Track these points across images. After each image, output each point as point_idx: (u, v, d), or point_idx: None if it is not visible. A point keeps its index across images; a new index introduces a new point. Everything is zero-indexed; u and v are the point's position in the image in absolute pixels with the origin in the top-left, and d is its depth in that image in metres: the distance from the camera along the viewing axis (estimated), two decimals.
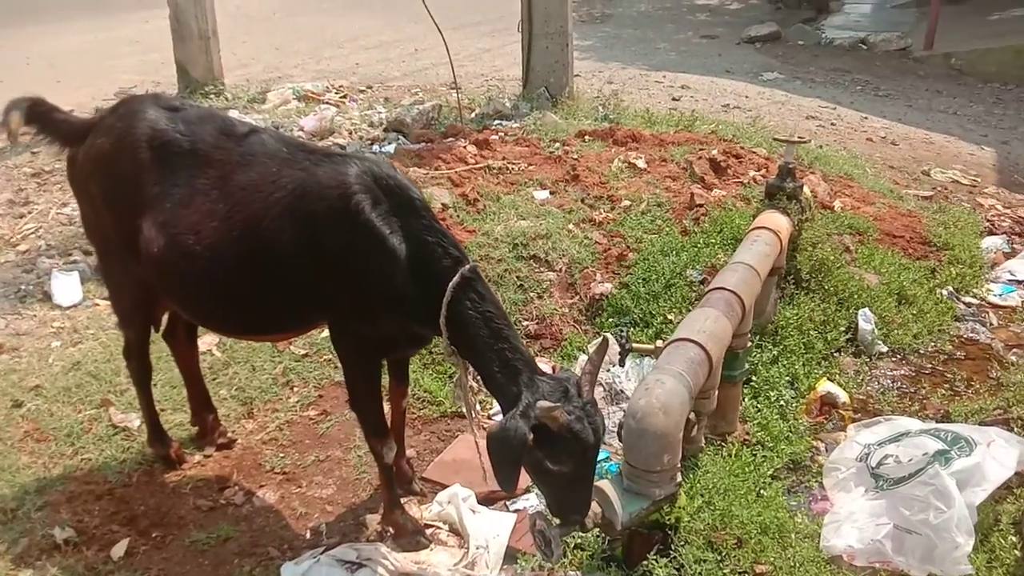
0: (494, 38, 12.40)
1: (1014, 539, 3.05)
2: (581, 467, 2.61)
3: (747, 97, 9.54)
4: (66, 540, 3.09)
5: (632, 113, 7.82)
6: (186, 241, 2.79)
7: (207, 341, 4.26)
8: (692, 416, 3.09)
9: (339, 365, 4.13)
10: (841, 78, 10.92)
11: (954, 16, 12.35)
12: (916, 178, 7.33)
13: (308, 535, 3.28)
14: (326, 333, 4.35)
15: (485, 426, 3.73)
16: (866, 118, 9.06)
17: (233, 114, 7.61)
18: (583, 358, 4.40)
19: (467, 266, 2.73)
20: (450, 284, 2.67)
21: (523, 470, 2.66)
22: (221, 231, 2.78)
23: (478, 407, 3.56)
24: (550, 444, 2.54)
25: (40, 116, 3.08)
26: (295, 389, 4.08)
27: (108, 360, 4.08)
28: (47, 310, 4.60)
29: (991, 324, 4.92)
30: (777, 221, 4.30)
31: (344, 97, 8.91)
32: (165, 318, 3.45)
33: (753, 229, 4.23)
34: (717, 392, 3.48)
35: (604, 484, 2.88)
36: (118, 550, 3.10)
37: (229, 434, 3.73)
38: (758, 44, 12.54)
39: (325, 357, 4.31)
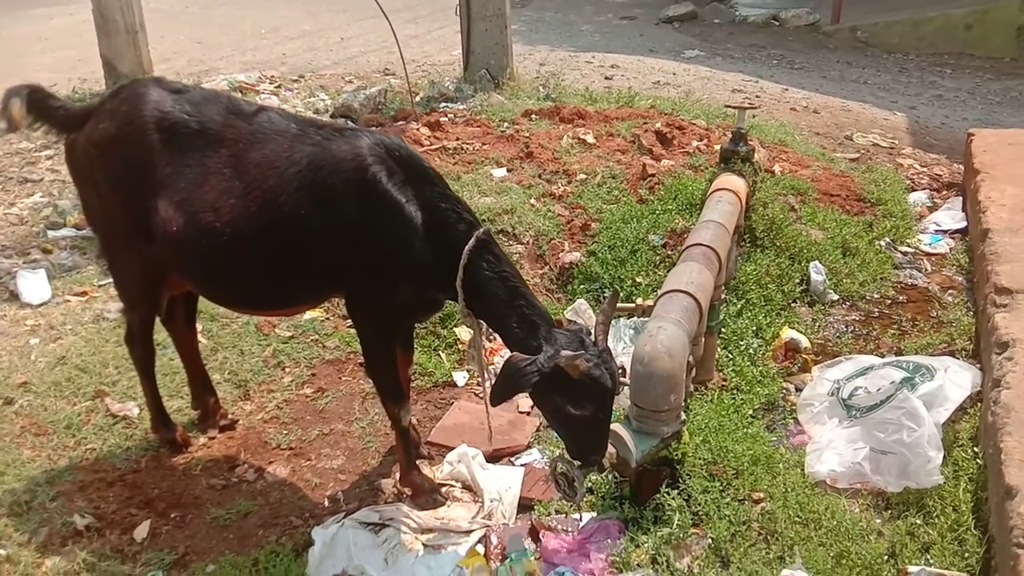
0: (418, 24, 12.44)
1: (974, 450, 3.38)
2: (600, 410, 2.80)
3: (674, 74, 9.89)
4: (87, 526, 3.10)
5: (572, 92, 8.04)
6: (206, 219, 2.83)
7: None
8: (691, 358, 3.31)
9: (327, 345, 4.24)
10: (758, 53, 11.41)
11: None
12: (840, 143, 7.80)
13: (327, 503, 3.37)
14: (310, 315, 4.44)
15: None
16: (787, 90, 9.52)
17: None
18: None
19: (481, 229, 2.87)
20: (466, 248, 2.81)
21: (540, 416, 2.83)
22: (240, 208, 2.84)
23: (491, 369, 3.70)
24: (571, 390, 2.72)
25: (38, 104, 3.05)
26: (287, 370, 4.13)
27: (93, 353, 4.04)
28: (16, 309, 4.50)
29: (926, 270, 5.34)
30: (735, 183, 4.57)
31: (279, 87, 8.84)
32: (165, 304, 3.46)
33: (715, 191, 4.49)
34: (703, 339, 3.73)
35: (617, 426, 3.08)
36: (141, 531, 3.13)
37: (230, 416, 3.76)
38: (676, 24, 12.96)
39: (312, 338, 4.37)
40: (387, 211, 2.79)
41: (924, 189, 6.70)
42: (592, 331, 2.88)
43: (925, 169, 7.31)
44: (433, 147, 6.15)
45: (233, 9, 13.89)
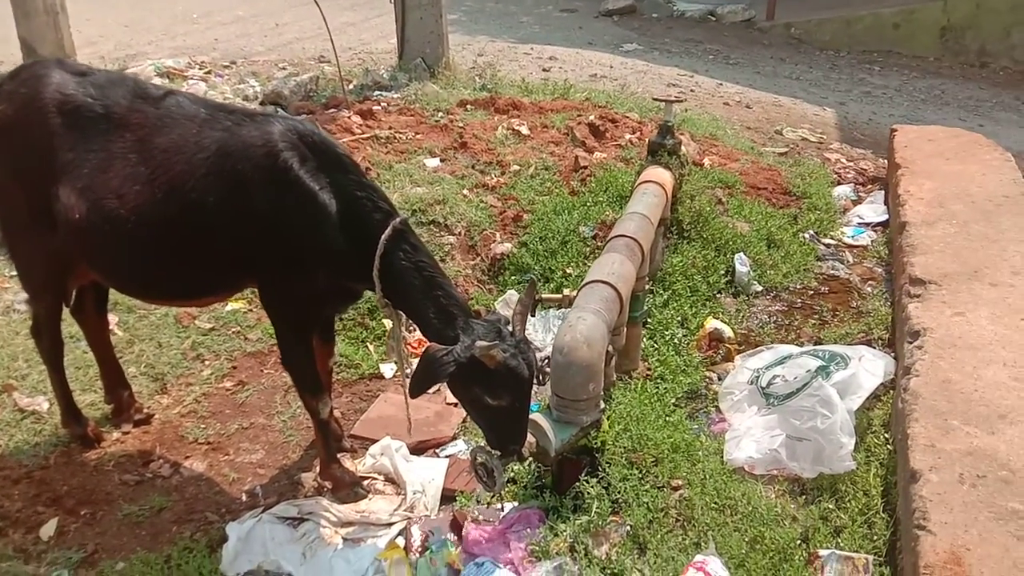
0: (356, 12, 12.27)
1: (886, 436, 3.49)
2: (518, 400, 2.81)
3: (611, 67, 9.96)
4: None
5: (508, 83, 8.03)
6: (109, 205, 2.74)
7: (109, 320, 4.13)
8: (610, 348, 3.34)
9: (248, 337, 4.16)
10: (694, 48, 11.57)
11: None
12: (771, 137, 7.95)
13: (244, 498, 3.31)
14: (232, 307, 4.34)
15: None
16: (721, 84, 9.68)
17: None
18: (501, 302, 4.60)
19: (398, 218, 2.83)
20: (382, 237, 2.77)
21: (461, 407, 2.83)
22: (145, 194, 2.75)
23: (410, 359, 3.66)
24: (489, 380, 2.71)
25: None
26: (207, 362, 4.04)
27: (2, 346, 3.89)
28: None
29: (848, 261, 5.49)
30: (661, 175, 4.63)
31: (209, 73, 8.62)
32: (73, 293, 3.34)
33: (641, 183, 4.54)
34: (625, 330, 3.76)
35: (536, 416, 3.09)
36: (47, 529, 3.02)
37: (145, 410, 3.66)
38: (615, 17, 13.05)
39: (233, 330, 4.27)
40: (299, 199, 2.73)
41: (850, 183, 6.88)
42: (511, 321, 2.88)
43: (852, 164, 7.50)
44: (364, 136, 6.07)
45: None
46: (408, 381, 3.11)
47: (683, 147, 5.10)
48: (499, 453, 2.90)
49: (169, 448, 3.52)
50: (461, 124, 6.45)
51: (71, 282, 3.14)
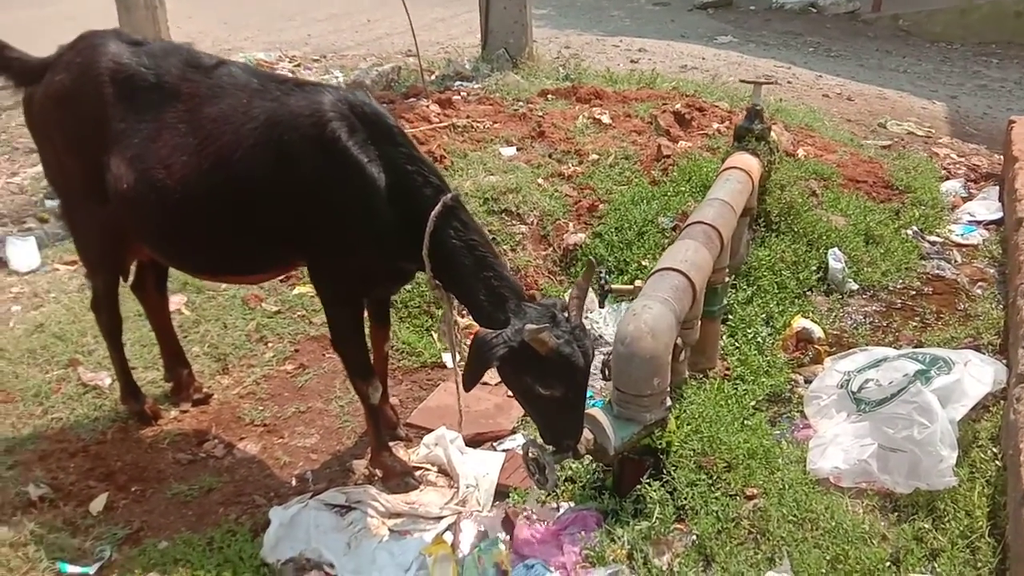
0: (447, 8, 12.27)
1: (994, 451, 3.11)
2: (572, 390, 2.60)
3: (703, 59, 9.59)
4: (41, 497, 2.98)
5: (593, 73, 7.80)
6: (156, 175, 2.68)
7: (175, 300, 4.14)
8: (679, 341, 3.08)
9: (313, 321, 4.08)
10: (793, 40, 11.04)
11: None
12: (873, 130, 7.45)
13: (294, 482, 3.21)
14: (299, 290, 4.29)
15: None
16: (820, 76, 9.16)
17: None
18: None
19: (449, 195, 2.67)
20: (432, 213, 2.61)
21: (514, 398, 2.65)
22: (192, 164, 2.68)
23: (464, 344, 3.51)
24: (540, 368, 2.51)
25: None
26: (270, 345, 3.98)
27: (73, 322, 3.94)
28: (3, 276, 4.42)
29: (955, 261, 5.02)
30: (747, 161, 4.32)
31: (298, 66, 8.74)
32: (133, 269, 3.32)
33: (725, 169, 4.24)
34: (699, 323, 3.48)
35: (595, 411, 2.87)
36: (97, 504, 3.00)
37: (205, 389, 3.62)
38: (710, 10, 12.62)
39: (299, 313, 4.22)
40: (347, 171, 2.60)
41: (960, 179, 6.34)
42: (567, 306, 2.67)
43: (963, 159, 6.94)
44: (442, 124, 5.96)
45: None
46: (460, 370, 2.97)
47: (773, 134, 4.76)
48: (552, 448, 2.70)
49: (225, 428, 3.47)
50: (540, 113, 6.27)
51: (127, 257, 3.12)
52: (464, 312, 3.25)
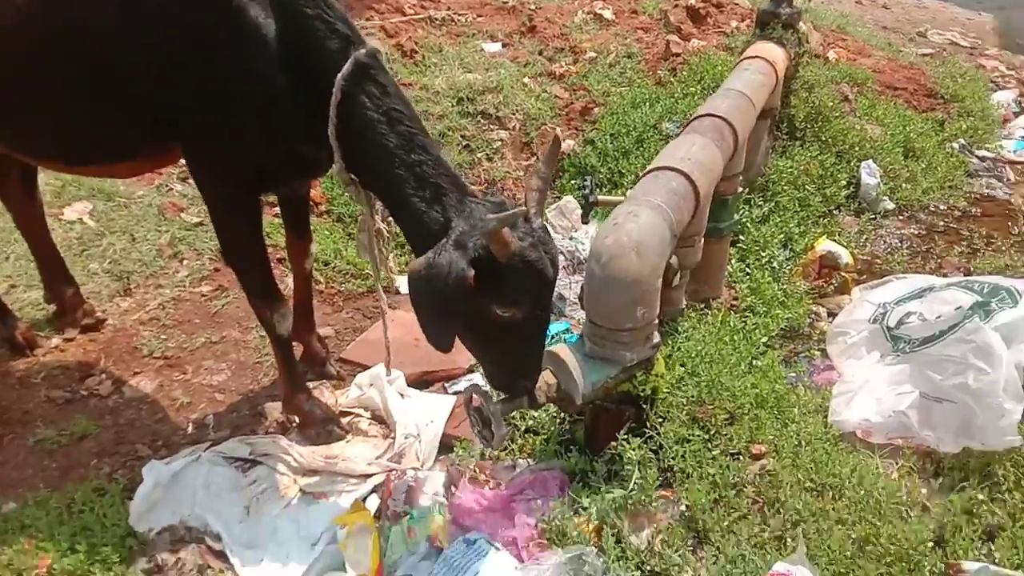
0: None
1: None
2: (538, 309, 1.93)
3: None
4: None
5: None
6: None
7: (80, 208, 3.49)
8: (674, 260, 2.41)
9: None
10: None
11: None
12: (912, 38, 6.62)
13: (190, 429, 2.61)
14: None
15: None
16: None
17: None
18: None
19: (363, 49, 1.96)
20: (339, 75, 1.90)
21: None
22: (24, 16, 1.98)
23: (391, 262, 2.82)
24: (497, 282, 1.84)
25: None
26: (184, 262, 3.32)
27: None
28: None
29: (1008, 180, 4.31)
30: (772, 52, 3.58)
31: None
32: None
33: (745, 58, 3.51)
34: (702, 242, 2.80)
35: (560, 348, 2.21)
36: None
37: (98, 313, 2.99)
38: None
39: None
40: (220, 16, 1.89)
41: (1012, 89, 5.54)
42: (525, 200, 1.97)
43: (1012, 72, 6.16)
44: (418, 16, 5.19)
45: None
46: (383, 293, 2.31)
47: (802, 25, 4.00)
48: (500, 396, 2.06)
49: (116, 361, 2.85)
50: (533, 6, 5.49)
51: None
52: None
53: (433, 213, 1.93)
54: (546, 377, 2.18)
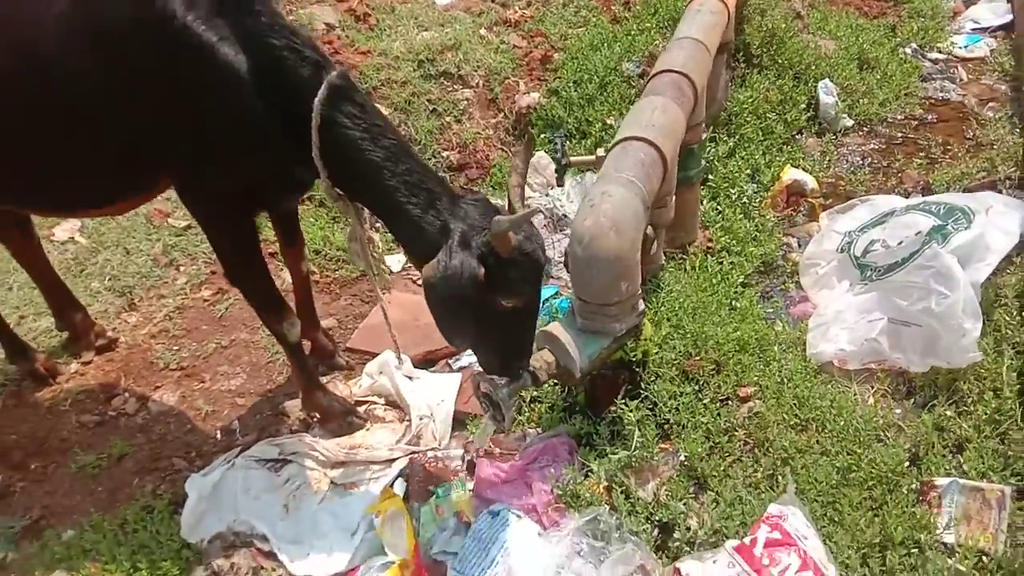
0: None
1: (1022, 313, 2.66)
2: (534, 297, 2.13)
3: None
4: None
5: None
6: None
7: (69, 227, 3.56)
8: (649, 230, 2.56)
9: None
10: None
11: None
12: None
13: (219, 436, 2.78)
14: None
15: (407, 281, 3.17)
16: None
17: None
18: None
19: (334, 72, 2.04)
20: (316, 100, 2.00)
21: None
22: (10, 79, 2.03)
23: (387, 264, 2.96)
24: (500, 275, 2.00)
25: None
26: (181, 268, 3.44)
27: None
28: None
29: (961, 80, 4.42)
30: None
31: None
32: None
33: None
34: (674, 198, 2.94)
35: (554, 327, 2.39)
36: None
37: (109, 332, 3.12)
38: None
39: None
40: (192, 58, 1.96)
41: None
42: (508, 196, 2.12)
43: None
44: None
45: None
46: (381, 292, 2.46)
47: None
48: (505, 380, 2.24)
49: (136, 378, 2.99)
50: None
51: None
52: (378, 224, 2.70)
53: (430, 217, 2.06)
54: (544, 356, 2.36)
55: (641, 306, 2.45)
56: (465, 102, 4.23)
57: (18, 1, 2.02)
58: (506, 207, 2.16)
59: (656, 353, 2.58)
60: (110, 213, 2.92)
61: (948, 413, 2.48)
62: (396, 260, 3.52)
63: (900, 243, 2.90)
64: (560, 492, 2.34)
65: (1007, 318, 2.70)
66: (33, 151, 2.18)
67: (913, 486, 2.29)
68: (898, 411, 2.57)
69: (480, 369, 2.31)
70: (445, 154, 4.04)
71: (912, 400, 2.60)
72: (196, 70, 1.98)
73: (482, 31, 4.59)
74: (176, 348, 3.10)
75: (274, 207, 2.51)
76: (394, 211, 2.11)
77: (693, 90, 2.92)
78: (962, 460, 2.35)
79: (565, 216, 3.66)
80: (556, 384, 2.66)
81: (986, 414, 2.44)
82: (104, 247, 3.48)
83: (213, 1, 1.97)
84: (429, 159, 3.97)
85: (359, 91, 2.08)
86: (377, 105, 2.16)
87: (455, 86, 4.28)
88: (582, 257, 2.30)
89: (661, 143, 2.57)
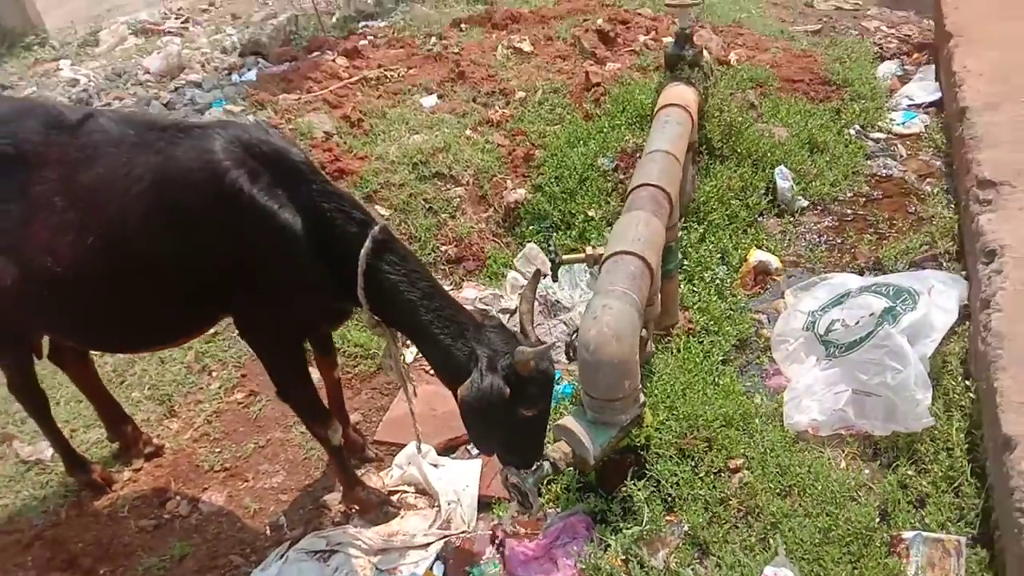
0: None
1: (966, 382, 3.09)
2: (546, 406, 2.54)
3: None
4: None
5: None
6: (43, 264, 2.37)
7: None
8: (644, 333, 2.95)
9: None
10: None
11: None
12: (801, 12, 7.20)
13: (268, 531, 3.07)
14: None
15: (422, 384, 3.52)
16: None
17: (64, 66, 6.82)
18: (512, 275, 4.21)
19: (376, 227, 2.44)
20: (362, 252, 2.39)
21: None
22: (80, 244, 2.36)
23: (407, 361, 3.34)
24: (522, 390, 2.40)
25: None
26: (214, 374, 3.75)
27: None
28: None
29: (901, 156, 4.92)
30: (683, 95, 4.08)
31: (186, 22, 8.05)
32: (47, 340, 3.03)
33: (661, 108, 4.00)
34: (659, 296, 3.35)
35: (568, 421, 2.76)
36: None
37: (155, 440, 3.41)
38: None
39: (237, 331, 3.96)
40: (257, 224, 2.34)
41: (894, 57, 6.18)
42: (520, 321, 2.54)
43: (893, 31, 6.78)
44: (352, 79, 5.55)
45: None
46: (411, 397, 2.82)
47: (705, 52, 4.51)
48: (529, 471, 2.60)
49: (185, 481, 3.28)
50: (457, 49, 5.89)
51: (33, 337, 2.82)
52: (407, 343, 3.09)
53: (460, 345, 2.45)
54: (562, 447, 2.73)
55: (642, 398, 2.83)
56: (458, 199, 4.63)
57: (106, 183, 2.36)
58: (518, 328, 2.55)
59: (656, 437, 2.95)
60: (175, 347, 3.25)
61: (910, 472, 2.87)
62: (410, 353, 3.87)
63: (857, 323, 3.32)
64: (583, 566, 2.69)
65: (953, 383, 3.12)
66: (111, 307, 2.52)
67: (884, 539, 2.66)
68: (867, 472, 2.95)
69: (503, 470, 2.67)
70: (443, 248, 4.42)
71: (878, 461, 2.99)
72: (260, 234, 2.35)
73: (468, 132, 5.01)
74: (218, 450, 3.40)
75: (323, 331, 2.88)
76: (429, 340, 2.50)
77: (669, 200, 3.35)
78: (924, 514, 2.74)
79: (558, 302, 4.05)
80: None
81: (941, 472, 2.84)
82: (140, 358, 3.79)
83: (271, 174, 2.36)
84: (429, 254, 4.35)
85: (398, 241, 2.48)
86: (410, 249, 2.55)
87: (448, 185, 4.69)
88: (590, 361, 2.69)
89: (647, 255, 2.98)
